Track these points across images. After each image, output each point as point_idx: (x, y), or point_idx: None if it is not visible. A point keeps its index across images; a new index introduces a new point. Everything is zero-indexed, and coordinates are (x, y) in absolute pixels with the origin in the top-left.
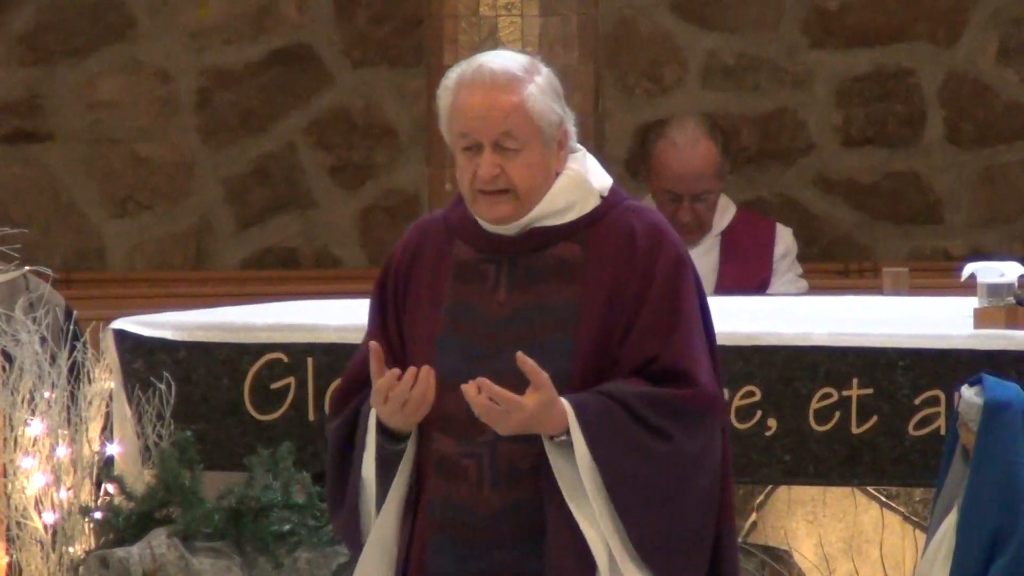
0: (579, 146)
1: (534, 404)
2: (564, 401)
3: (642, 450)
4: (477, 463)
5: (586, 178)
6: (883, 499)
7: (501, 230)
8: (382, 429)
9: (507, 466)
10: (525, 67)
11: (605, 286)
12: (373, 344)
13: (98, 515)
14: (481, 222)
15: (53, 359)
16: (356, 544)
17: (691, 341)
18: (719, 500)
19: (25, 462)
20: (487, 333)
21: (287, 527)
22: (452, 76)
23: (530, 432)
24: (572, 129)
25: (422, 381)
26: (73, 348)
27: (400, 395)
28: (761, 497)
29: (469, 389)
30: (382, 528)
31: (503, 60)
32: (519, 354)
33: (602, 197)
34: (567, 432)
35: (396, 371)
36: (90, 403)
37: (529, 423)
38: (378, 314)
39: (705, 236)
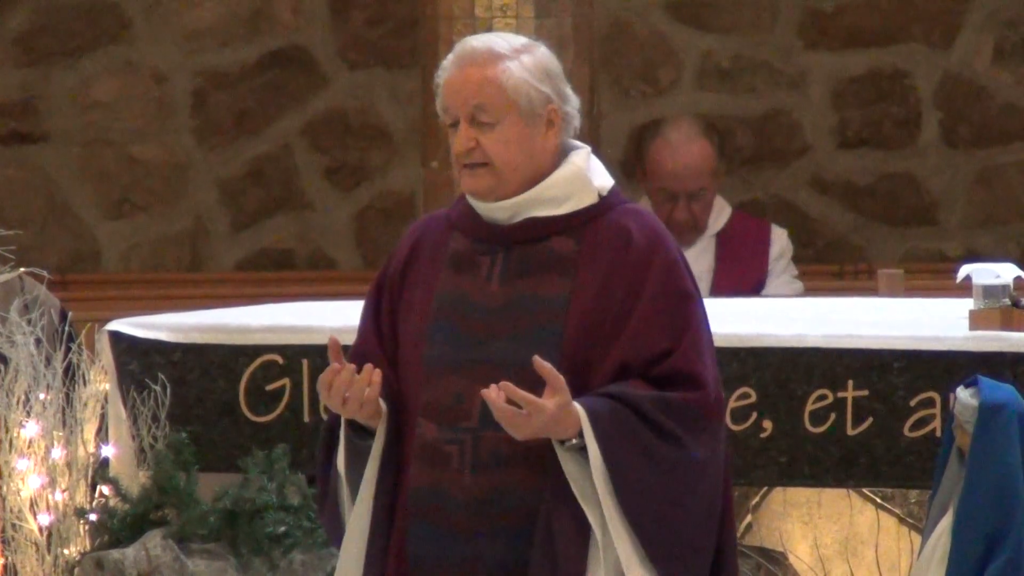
0: (583, 144)
1: (554, 406)
2: (577, 406)
3: (653, 456)
4: (459, 449)
5: (585, 174)
6: (879, 501)
7: (495, 216)
8: (352, 424)
9: (489, 453)
10: (513, 46)
11: (597, 281)
12: (332, 338)
13: (93, 517)
14: (476, 209)
15: (48, 361)
16: (338, 538)
17: (699, 343)
18: (720, 506)
19: (20, 464)
20: (477, 322)
21: (282, 529)
22: (447, 58)
23: (544, 436)
24: (570, 111)
25: (361, 380)
26: (68, 350)
27: (339, 389)
28: (756, 499)
29: (489, 393)
30: (356, 524)
31: (490, 39)
32: (536, 358)
33: (600, 196)
34: (578, 436)
35: (337, 365)
36: (85, 405)
37: (547, 426)
38: (372, 309)
39: (701, 236)
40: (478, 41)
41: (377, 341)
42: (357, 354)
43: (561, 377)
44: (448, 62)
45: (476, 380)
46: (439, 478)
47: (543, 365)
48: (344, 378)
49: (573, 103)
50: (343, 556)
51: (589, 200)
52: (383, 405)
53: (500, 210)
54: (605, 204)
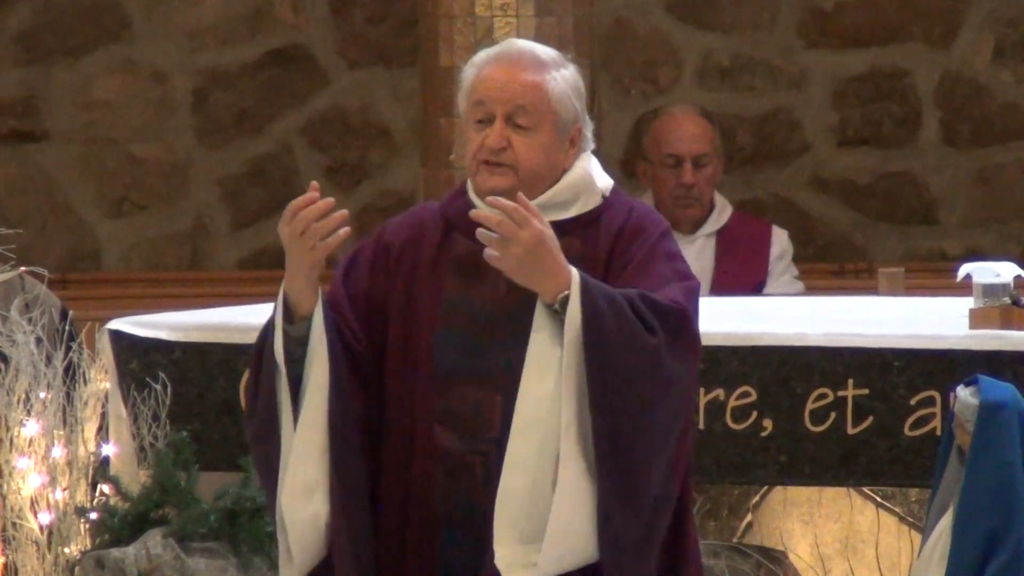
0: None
1: (545, 229)
2: (571, 267)
3: (631, 333)
4: (484, 460)
5: (591, 176)
6: (879, 499)
7: None
8: (287, 316)
9: None
10: (553, 58)
11: (601, 277)
12: (313, 183)
13: (94, 516)
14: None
15: (49, 360)
16: (265, 438)
17: (672, 289)
18: (680, 464)
19: (21, 463)
20: (487, 327)
21: None
22: (480, 54)
23: (531, 273)
24: (588, 134)
25: (333, 220)
26: (69, 349)
27: (305, 219)
28: (757, 497)
29: (479, 212)
30: (305, 438)
31: (533, 45)
32: (519, 195)
33: (604, 197)
34: (563, 294)
35: (316, 195)
36: (86, 404)
37: (536, 251)
38: (347, 278)
39: (703, 226)
40: (523, 44)
41: (350, 307)
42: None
43: (544, 218)
44: (486, 59)
45: (494, 389)
46: (464, 489)
47: (526, 202)
48: (317, 209)
49: (589, 125)
50: (291, 471)
51: (594, 202)
52: (319, 291)
53: None
54: (607, 203)
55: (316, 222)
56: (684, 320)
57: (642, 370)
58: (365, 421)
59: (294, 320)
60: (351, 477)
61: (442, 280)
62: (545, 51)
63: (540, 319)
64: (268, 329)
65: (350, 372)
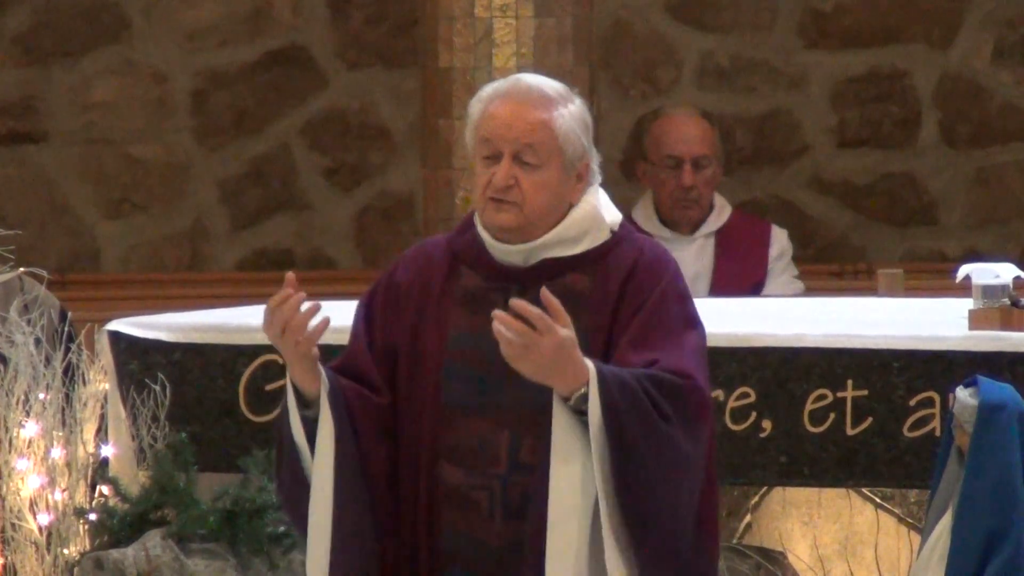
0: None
1: (566, 334)
2: (587, 360)
3: (648, 423)
4: (489, 495)
5: (600, 213)
6: (878, 500)
7: (511, 259)
8: (299, 399)
9: (520, 498)
10: (560, 92)
11: (608, 315)
12: (289, 274)
13: (93, 517)
14: (490, 250)
15: (48, 361)
16: (298, 513)
17: (685, 352)
18: (701, 508)
19: (20, 464)
20: (495, 362)
21: (282, 528)
22: (487, 89)
23: (547, 375)
24: (595, 168)
25: (308, 313)
26: (68, 350)
27: (283, 316)
28: (756, 498)
29: (500, 314)
30: (318, 498)
31: (540, 80)
32: (543, 290)
33: (612, 232)
34: (579, 393)
35: (291, 291)
36: (85, 405)
37: (555, 357)
38: (365, 327)
39: (703, 225)
40: (531, 80)
41: (371, 358)
42: (347, 369)
43: (567, 317)
44: (492, 95)
45: (500, 424)
46: (470, 524)
47: (550, 299)
48: (291, 305)
49: (596, 158)
50: (315, 530)
51: (603, 238)
52: (323, 372)
53: (517, 253)
54: (616, 238)
55: (294, 319)
56: (694, 395)
57: (658, 456)
58: (392, 473)
59: (310, 404)
60: (359, 565)
61: (449, 314)
62: (552, 86)
63: (558, 408)
64: (284, 415)
65: (375, 430)
